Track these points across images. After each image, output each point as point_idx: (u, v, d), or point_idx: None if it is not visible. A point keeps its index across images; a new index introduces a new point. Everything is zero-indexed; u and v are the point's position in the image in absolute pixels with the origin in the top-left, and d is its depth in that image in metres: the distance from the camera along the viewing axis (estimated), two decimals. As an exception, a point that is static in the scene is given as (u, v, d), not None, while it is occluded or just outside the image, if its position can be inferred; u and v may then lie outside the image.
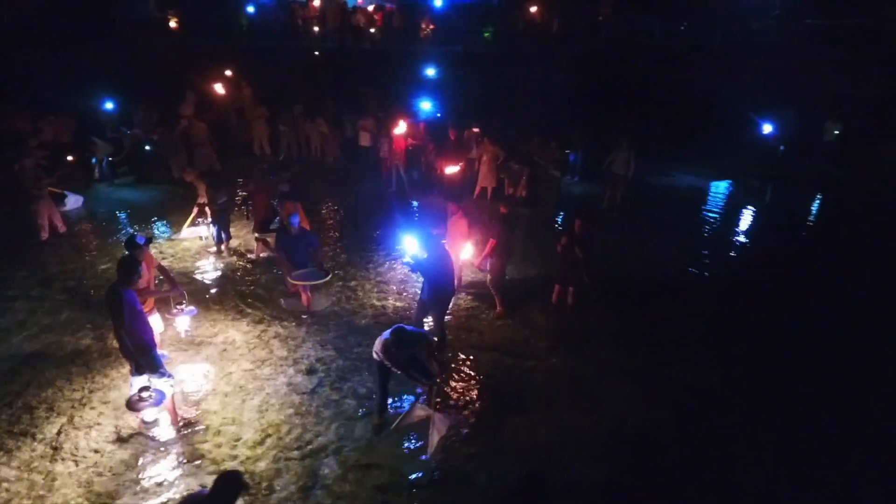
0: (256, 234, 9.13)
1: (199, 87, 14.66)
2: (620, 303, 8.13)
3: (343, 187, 12.90)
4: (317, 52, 17.90)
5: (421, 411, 5.62)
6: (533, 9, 20.19)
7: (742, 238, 10.99)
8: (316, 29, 20.18)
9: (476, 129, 12.02)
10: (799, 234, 11.62)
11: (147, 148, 12.32)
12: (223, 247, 9.33)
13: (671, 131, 17.04)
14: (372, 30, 20.02)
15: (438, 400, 5.99)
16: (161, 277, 6.49)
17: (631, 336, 7.33)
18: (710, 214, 12.12)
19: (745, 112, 16.44)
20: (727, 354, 7.01)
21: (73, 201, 11.23)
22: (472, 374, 6.55)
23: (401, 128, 11.51)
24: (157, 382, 5.23)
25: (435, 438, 5.27)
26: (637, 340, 7.23)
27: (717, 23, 23.38)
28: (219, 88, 13.32)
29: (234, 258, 9.23)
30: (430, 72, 16.39)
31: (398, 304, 7.98)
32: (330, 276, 7.62)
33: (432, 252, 6.50)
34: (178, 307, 6.57)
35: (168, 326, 6.72)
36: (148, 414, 5.35)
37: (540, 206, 11.70)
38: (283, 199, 8.91)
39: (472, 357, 6.83)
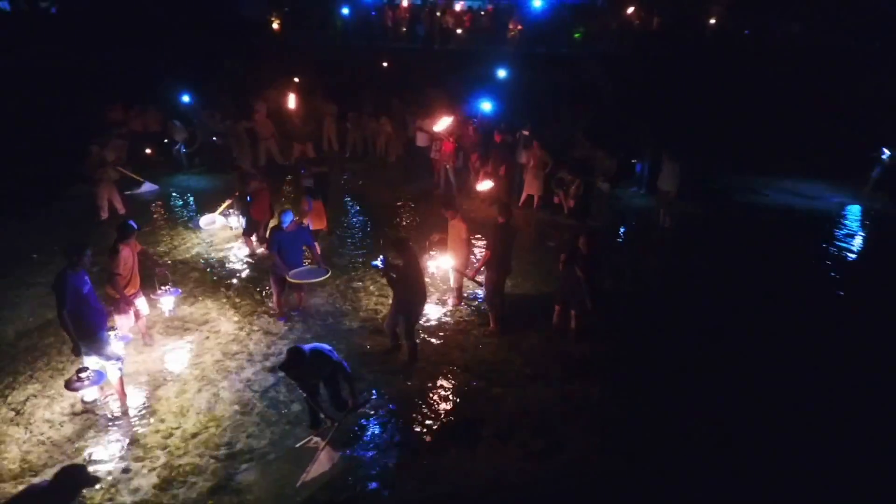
0: (254, 238, 9.22)
1: (278, 85, 15.42)
2: (632, 336, 7.17)
3: (393, 187, 12.83)
4: (385, 64, 18.02)
5: (314, 442, 5.27)
6: (630, 9, 18.85)
7: (823, 278, 9.21)
8: (404, 30, 20.43)
9: (526, 132, 11.35)
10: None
11: (213, 139, 13.10)
12: (252, 237, 9.60)
13: (779, 143, 15.16)
14: (459, 31, 19.87)
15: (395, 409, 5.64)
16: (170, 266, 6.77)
17: (629, 377, 6.40)
18: (795, 244, 10.36)
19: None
20: (743, 422, 5.76)
21: (148, 187, 12.23)
22: (434, 393, 6.08)
23: (441, 125, 11.14)
24: (105, 365, 5.40)
25: (314, 472, 4.91)
26: (634, 383, 6.28)
27: (881, 26, 20.25)
28: (290, 101, 13.84)
29: (259, 249, 9.46)
30: (502, 73, 15.90)
31: (393, 310, 7.67)
32: (329, 273, 7.34)
33: (403, 258, 6.13)
34: (161, 288, 6.80)
35: (153, 307, 7.00)
36: (87, 394, 5.54)
37: (590, 218, 10.78)
38: (306, 195, 9.02)
39: (442, 374, 6.35)
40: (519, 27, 19.33)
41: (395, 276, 6.12)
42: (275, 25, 20.90)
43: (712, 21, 20.84)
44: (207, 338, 6.94)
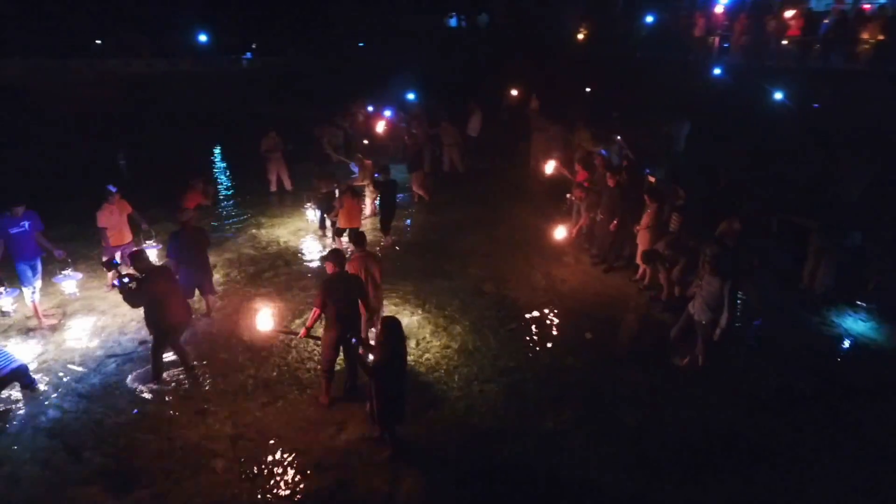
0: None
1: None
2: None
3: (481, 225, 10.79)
4: (588, 89, 14.98)
5: None
6: None
7: None
8: (715, 39, 16.46)
9: (652, 179, 7.96)
10: None
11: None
12: (325, 232, 9.94)
13: None
14: (784, 42, 14.82)
15: None
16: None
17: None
18: None
19: None
20: None
21: (354, 168, 13.68)
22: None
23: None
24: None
25: None
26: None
27: None
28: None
29: (325, 243, 9.75)
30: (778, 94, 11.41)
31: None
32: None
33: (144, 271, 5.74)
34: (62, 272, 7.23)
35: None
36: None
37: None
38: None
39: (183, 426, 5.42)
40: (880, 37, 12.93)
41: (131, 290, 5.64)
42: (580, 36, 19.99)
43: None
44: (96, 328, 7.03)
